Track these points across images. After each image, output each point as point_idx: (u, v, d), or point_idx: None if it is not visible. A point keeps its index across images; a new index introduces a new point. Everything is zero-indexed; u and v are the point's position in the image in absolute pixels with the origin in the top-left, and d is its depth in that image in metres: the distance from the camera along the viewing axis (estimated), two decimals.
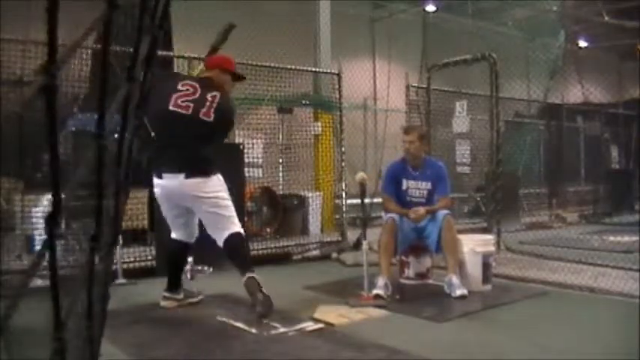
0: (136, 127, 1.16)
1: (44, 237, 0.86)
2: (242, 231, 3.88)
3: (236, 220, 3.86)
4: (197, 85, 3.79)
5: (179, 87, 3.75)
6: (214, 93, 3.76)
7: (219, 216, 3.81)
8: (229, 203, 3.86)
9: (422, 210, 4.47)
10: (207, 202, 3.78)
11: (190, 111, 3.69)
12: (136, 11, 1.06)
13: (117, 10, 0.90)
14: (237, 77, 4.15)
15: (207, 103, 3.71)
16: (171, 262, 4.21)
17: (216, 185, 3.81)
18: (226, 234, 3.77)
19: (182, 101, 3.71)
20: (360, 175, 4.33)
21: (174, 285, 4.08)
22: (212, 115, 3.70)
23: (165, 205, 3.95)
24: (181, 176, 3.69)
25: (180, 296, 4.06)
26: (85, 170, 1.02)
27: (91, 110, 5.14)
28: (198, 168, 3.75)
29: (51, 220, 0.86)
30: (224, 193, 3.85)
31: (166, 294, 4.07)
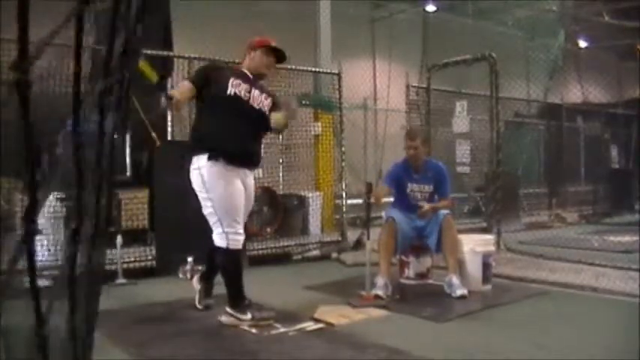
0: (116, 122, 1.15)
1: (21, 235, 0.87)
2: (225, 244, 3.47)
3: (219, 227, 3.47)
4: None
5: None
6: None
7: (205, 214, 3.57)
8: (207, 204, 3.48)
9: (427, 206, 4.49)
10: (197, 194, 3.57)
11: None
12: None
13: (90, 5, 0.91)
14: (274, 55, 3.79)
15: None
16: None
17: (195, 180, 3.51)
18: (214, 242, 3.55)
19: None
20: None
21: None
22: None
23: None
24: None
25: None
26: (70, 169, 1.02)
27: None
28: (191, 151, 3.60)
29: (27, 217, 0.86)
30: (202, 193, 3.49)
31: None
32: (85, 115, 1.09)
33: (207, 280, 3.94)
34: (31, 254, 0.92)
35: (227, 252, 3.50)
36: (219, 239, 3.50)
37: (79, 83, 1.00)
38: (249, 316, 3.53)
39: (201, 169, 3.47)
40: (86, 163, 1.10)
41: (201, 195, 3.50)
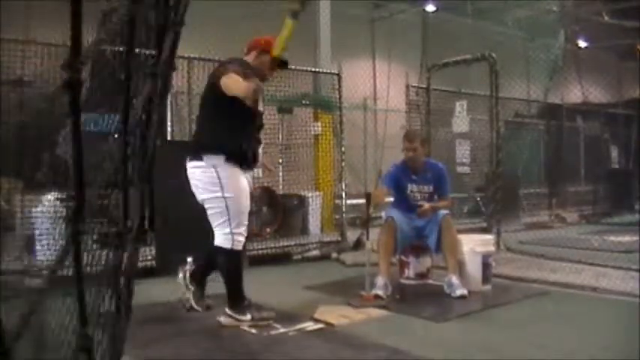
0: (157, 121, 1.16)
1: (67, 233, 0.87)
2: (230, 245, 3.46)
3: (226, 228, 3.45)
4: None
5: None
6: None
7: (208, 215, 3.52)
8: (220, 204, 3.45)
9: (427, 205, 4.51)
10: (198, 194, 3.52)
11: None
12: (153, 9, 1.07)
13: (140, 5, 0.91)
14: (278, 62, 3.77)
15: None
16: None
17: (207, 177, 3.45)
18: (214, 243, 3.52)
19: None
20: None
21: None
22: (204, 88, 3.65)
23: None
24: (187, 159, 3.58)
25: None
26: (94, 169, 1.03)
27: (91, 110, 5.14)
28: (193, 150, 3.54)
29: (76, 215, 0.86)
30: (215, 192, 3.44)
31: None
32: (132, 117, 1.09)
33: (200, 279, 3.87)
34: (78, 255, 0.92)
35: (230, 253, 3.49)
36: (223, 239, 3.49)
37: (130, 86, 1.00)
38: (248, 316, 3.53)
39: (217, 167, 3.44)
40: (131, 165, 1.10)
41: (213, 194, 3.46)
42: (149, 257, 5.36)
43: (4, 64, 4.61)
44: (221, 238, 3.49)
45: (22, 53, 4.75)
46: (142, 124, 1.12)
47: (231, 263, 3.55)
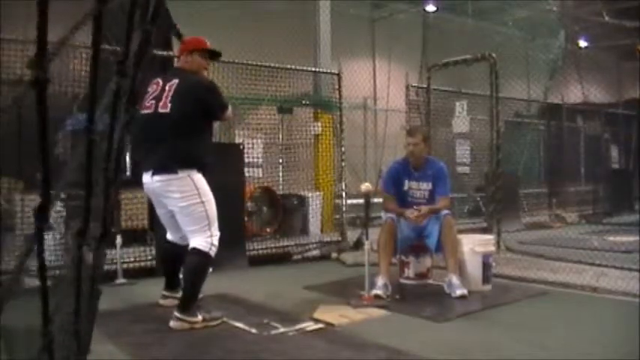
0: (126, 122, 1.16)
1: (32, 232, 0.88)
2: (208, 249, 3.58)
3: (207, 232, 3.58)
4: (160, 80, 3.72)
5: (148, 89, 3.72)
6: (172, 81, 3.66)
7: (185, 221, 3.64)
8: (199, 209, 3.57)
9: (424, 209, 4.45)
10: (174, 204, 3.61)
11: (152, 109, 3.65)
12: (127, 6, 1.07)
13: (106, 6, 0.91)
14: (214, 54, 3.98)
15: (164, 94, 3.63)
16: (164, 263, 4.18)
17: (184, 186, 3.55)
18: (190, 246, 3.61)
19: (148, 102, 3.69)
20: (365, 185, 4.35)
21: (172, 284, 4.01)
22: (168, 105, 3.60)
23: (155, 205, 3.89)
24: (150, 173, 3.62)
25: (179, 294, 3.74)
26: (75, 168, 1.03)
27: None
28: (164, 164, 3.58)
29: (40, 214, 0.86)
30: (194, 198, 3.56)
31: (165, 293, 4.04)
32: (99, 115, 1.09)
33: (173, 284, 4.00)
34: (41, 252, 0.92)
35: (206, 256, 3.59)
36: (203, 242, 3.57)
37: (96, 83, 1.00)
38: (199, 317, 3.55)
39: (191, 176, 3.58)
40: (96, 165, 1.10)
41: (193, 200, 3.56)
42: (149, 257, 5.36)
43: (4, 64, 4.61)
44: (200, 241, 3.58)
45: (22, 53, 4.75)
46: (107, 125, 1.13)
47: (204, 267, 3.64)
